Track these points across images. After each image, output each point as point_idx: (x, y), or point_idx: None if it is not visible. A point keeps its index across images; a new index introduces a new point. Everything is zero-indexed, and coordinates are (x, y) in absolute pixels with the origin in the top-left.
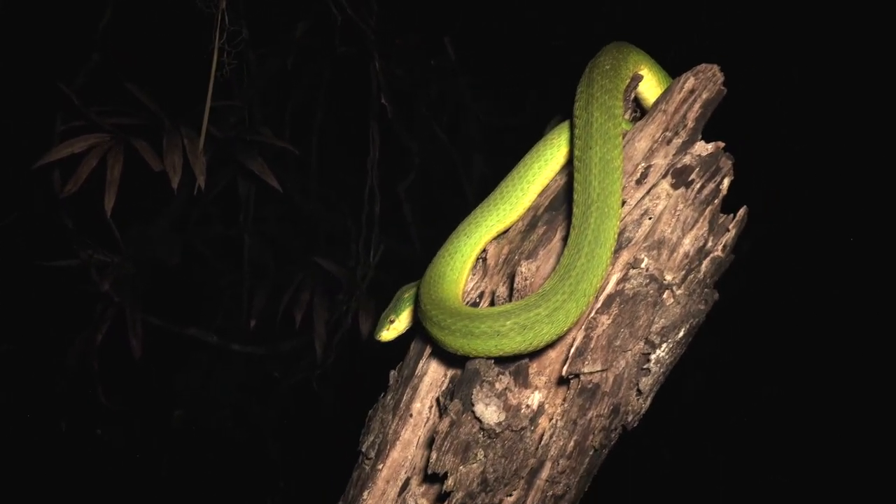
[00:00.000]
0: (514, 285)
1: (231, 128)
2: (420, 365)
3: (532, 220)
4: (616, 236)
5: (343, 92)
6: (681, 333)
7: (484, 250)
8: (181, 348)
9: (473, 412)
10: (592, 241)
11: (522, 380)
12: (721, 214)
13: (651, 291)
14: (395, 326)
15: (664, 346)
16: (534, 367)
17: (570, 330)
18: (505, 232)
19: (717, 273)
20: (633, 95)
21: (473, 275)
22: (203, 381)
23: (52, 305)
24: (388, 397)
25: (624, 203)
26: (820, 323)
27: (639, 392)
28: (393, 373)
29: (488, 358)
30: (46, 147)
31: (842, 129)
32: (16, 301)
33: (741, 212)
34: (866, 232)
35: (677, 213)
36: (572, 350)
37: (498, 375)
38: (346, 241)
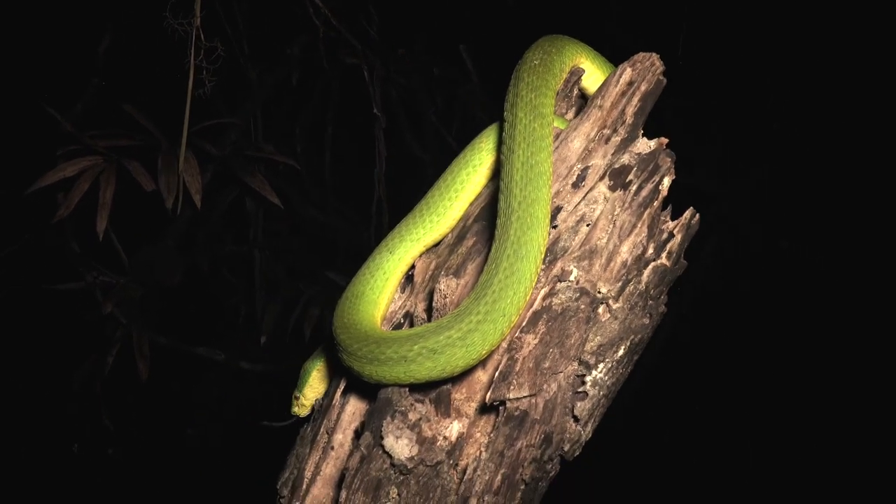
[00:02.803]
0: (433, 304)
1: (231, 145)
2: (338, 393)
3: (461, 231)
4: (543, 248)
5: (351, 103)
6: (621, 351)
7: (413, 265)
8: (191, 367)
9: (383, 446)
10: (512, 254)
11: (444, 408)
12: (666, 218)
13: (582, 306)
14: (302, 402)
15: (601, 366)
16: (462, 393)
17: (490, 354)
18: (437, 245)
19: (663, 283)
20: (576, 90)
21: (402, 293)
22: (214, 400)
23: (59, 330)
24: (308, 429)
25: (560, 209)
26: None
27: (575, 418)
28: (318, 399)
29: (400, 385)
30: (47, 170)
31: (833, 124)
32: (22, 326)
33: (687, 214)
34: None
35: (614, 219)
36: (496, 374)
37: (413, 404)
38: (360, 253)
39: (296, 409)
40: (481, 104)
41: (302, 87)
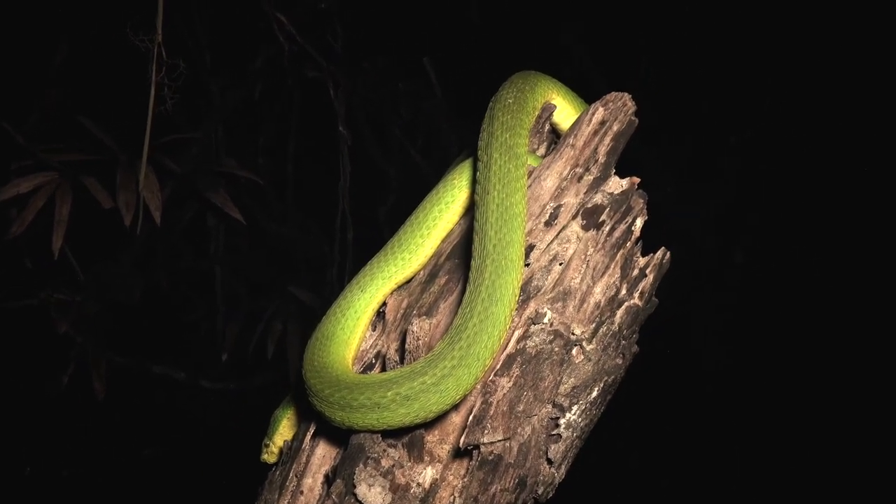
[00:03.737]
0: (406, 346)
1: (193, 160)
2: (308, 436)
3: (433, 269)
4: (517, 290)
5: (314, 116)
6: (594, 393)
7: (384, 303)
8: (149, 387)
9: (355, 495)
10: (486, 298)
11: (417, 453)
12: (638, 258)
13: (556, 349)
14: (272, 449)
15: (575, 408)
16: (434, 436)
17: (464, 398)
18: (408, 282)
19: (636, 323)
20: (547, 126)
21: (373, 331)
22: (173, 420)
23: (12, 348)
24: (277, 473)
25: (533, 247)
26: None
27: (549, 461)
28: (286, 442)
29: (373, 432)
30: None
31: (789, 137)
32: None
33: (658, 254)
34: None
35: (587, 259)
36: (470, 418)
37: (385, 450)
38: (322, 268)
39: (265, 457)
40: (446, 117)
41: (265, 100)
